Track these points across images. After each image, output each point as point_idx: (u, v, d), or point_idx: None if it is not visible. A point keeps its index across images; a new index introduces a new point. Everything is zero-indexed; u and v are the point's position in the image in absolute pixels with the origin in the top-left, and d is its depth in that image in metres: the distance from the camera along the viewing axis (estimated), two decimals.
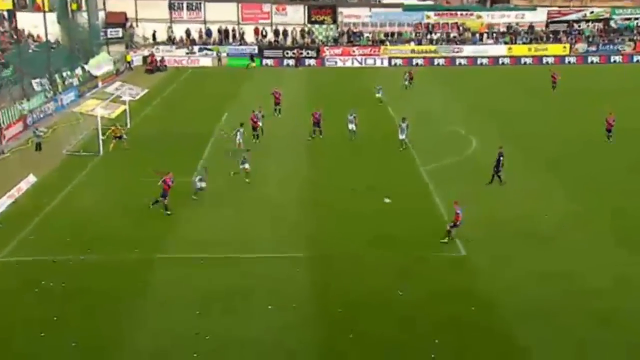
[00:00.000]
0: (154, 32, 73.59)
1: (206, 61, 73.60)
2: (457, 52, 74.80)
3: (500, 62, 74.27)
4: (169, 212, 29.26)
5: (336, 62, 73.46)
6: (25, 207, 30.65)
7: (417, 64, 72.70)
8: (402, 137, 38.68)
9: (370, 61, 73.60)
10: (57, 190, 32.72)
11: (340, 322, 21.19)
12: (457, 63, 73.89)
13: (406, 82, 59.00)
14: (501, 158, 32.65)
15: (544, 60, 74.30)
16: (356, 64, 73.43)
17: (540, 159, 37.31)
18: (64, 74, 55.28)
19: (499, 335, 20.54)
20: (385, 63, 73.50)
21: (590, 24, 78.04)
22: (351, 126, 36.69)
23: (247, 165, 33.50)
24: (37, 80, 50.86)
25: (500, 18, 77.90)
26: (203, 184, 31.21)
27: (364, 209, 29.99)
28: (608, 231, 27.82)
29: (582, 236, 27.39)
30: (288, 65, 72.82)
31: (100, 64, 62.78)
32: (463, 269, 24.70)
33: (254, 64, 72.22)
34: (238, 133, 38.11)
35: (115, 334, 20.45)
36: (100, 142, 38.98)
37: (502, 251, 26.06)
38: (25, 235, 27.65)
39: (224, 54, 73.71)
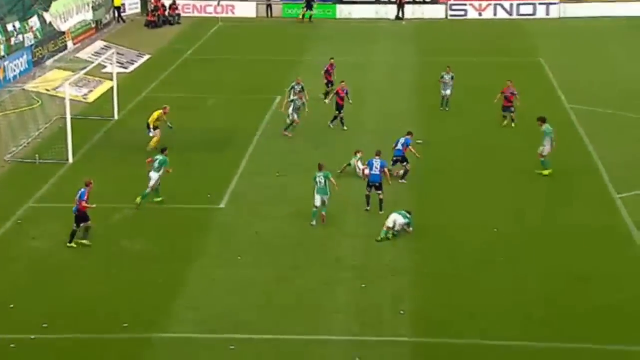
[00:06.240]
0: None
1: (246, 8, 74.92)
2: None
3: None
4: None
5: (466, 12, 73.78)
6: None
7: None
8: None
9: (526, 9, 73.51)
10: None
11: None
12: None
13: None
14: None
15: None
16: (502, 15, 73.52)
17: None
18: (10, 27, 56.37)
19: None
20: (554, 13, 73.24)
21: None
22: None
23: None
24: None
25: None
26: None
27: (514, 267, 29.79)
28: None
29: None
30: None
31: (70, 10, 63.85)
32: None
33: (307, 13, 73.13)
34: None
35: None
36: (69, 141, 39.37)
37: None
38: None
39: None
